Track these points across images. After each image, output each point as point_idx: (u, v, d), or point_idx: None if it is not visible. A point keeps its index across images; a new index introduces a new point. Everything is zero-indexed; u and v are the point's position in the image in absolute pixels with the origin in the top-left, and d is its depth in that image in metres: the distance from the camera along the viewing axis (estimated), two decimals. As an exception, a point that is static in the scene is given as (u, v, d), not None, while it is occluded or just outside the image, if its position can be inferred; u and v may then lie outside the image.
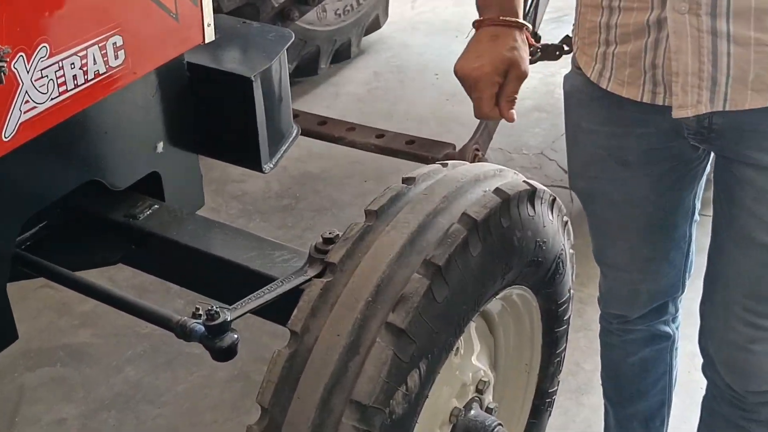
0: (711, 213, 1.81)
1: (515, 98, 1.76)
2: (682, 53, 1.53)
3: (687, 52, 1.52)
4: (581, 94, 1.76)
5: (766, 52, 1.48)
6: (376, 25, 4.85)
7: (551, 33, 3.94)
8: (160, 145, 2.11)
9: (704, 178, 1.84)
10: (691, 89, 1.55)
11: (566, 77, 1.81)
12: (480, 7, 1.76)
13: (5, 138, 1.61)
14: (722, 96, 1.54)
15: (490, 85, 1.72)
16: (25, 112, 1.64)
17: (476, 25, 1.76)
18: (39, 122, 1.68)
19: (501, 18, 1.72)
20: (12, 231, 1.84)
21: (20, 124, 1.63)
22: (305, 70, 4.44)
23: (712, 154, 1.77)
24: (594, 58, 1.68)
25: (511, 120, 1.79)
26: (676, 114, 1.58)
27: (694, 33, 1.50)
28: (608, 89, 1.67)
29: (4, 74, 1.36)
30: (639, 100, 1.62)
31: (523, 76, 1.74)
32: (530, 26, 1.77)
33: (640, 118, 1.63)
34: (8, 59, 1.45)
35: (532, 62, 3.27)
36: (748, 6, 1.45)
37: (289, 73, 2.39)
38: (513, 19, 1.72)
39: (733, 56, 1.50)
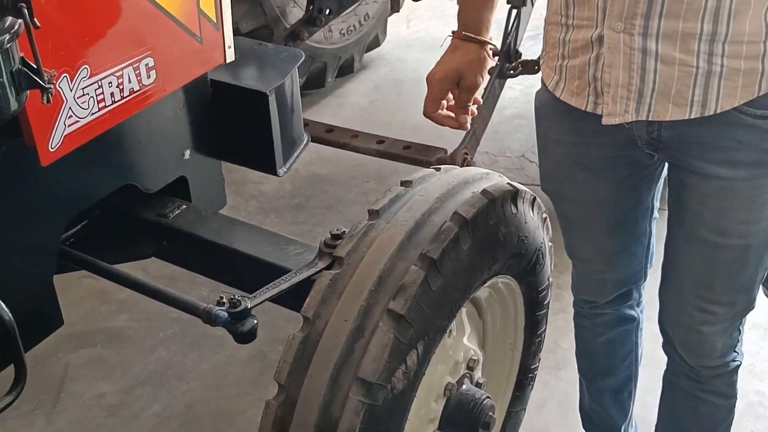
0: (669, 209, 1.81)
1: (468, 106, 1.77)
2: (614, 67, 1.52)
3: (619, 66, 1.52)
4: (548, 108, 1.75)
5: (688, 72, 1.47)
6: (375, 43, 4.85)
7: (530, 49, 3.93)
8: (187, 153, 2.12)
9: (662, 180, 1.84)
10: (620, 100, 1.54)
11: (537, 93, 1.80)
12: (457, 20, 1.77)
13: (52, 149, 1.62)
14: (647, 107, 1.53)
15: (438, 89, 1.74)
16: (68, 126, 1.64)
17: (452, 35, 1.77)
18: (81, 134, 1.69)
19: (463, 33, 1.73)
20: (58, 229, 1.86)
21: (65, 136, 1.64)
22: (314, 84, 4.44)
23: None
24: (554, 70, 1.67)
25: (464, 127, 1.80)
26: (605, 121, 1.58)
27: (626, 50, 1.50)
28: (561, 98, 1.66)
29: (51, 94, 1.36)
30: (584, 109, 1.61)
31: (473, 86, 1.75)
32: (493, 44, 1.76)
33: (600, 130, 1.62)
34: (54, 81, 1.45)
35: (512, 76, 3.32)
36: (675, 30, 1.45)
37: (299, 87, 2.39)
38: (473, 35, 1.72)
39: (659, 73, 1.49)
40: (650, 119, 1.55)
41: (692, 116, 1.51)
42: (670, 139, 1.59)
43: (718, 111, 1.50)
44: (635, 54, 1.49)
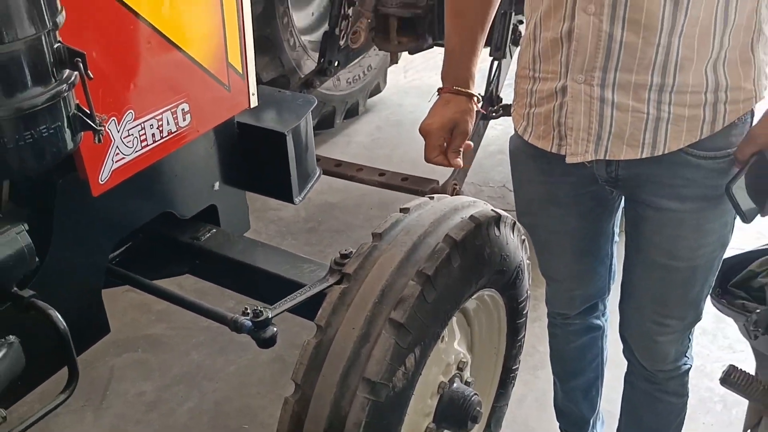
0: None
1: (460, 150, 1.73)
2: (576, 114, 1.51)
3: (580, 113, 1.50)
4: (520, 153, 1.73)
5: (640, 117, 1.46)
6: (377, 89, 4.87)
7: (510, 95, 3.94)
8: (217, 184, 2.12)
9: (620, 209, 1.82)
10: (581, 141, 1.52)
11: (511, 138, 1.77)
12: (442, 78, 1.74)
13: (101, 181, 1.63)
14: (604, 148, 1.51)
15: (436, 138, 1.70)
16: (116, 162, 1.65)
17: (438, 91, 1.75)
18: (127, 169, 1.70)
19: (454, 88, 1.70)
20: (106, 250, 1.86)
21: (113, 170, 1.65)
22: (324, 125, 4.46)
23: None
24: (523, 117, 1.65)
25: (458, 167, 1.76)
26: (569, 160, 1.56)
27: (586, 99, 1.48)
28: (530, 141, 1.63)
29: (102, 135, 1.37)
30: (549, 150, 1.59)
31: (465, 133, 1.72)
32: (479, 96, 1.74)
33: (565, 170, 1.60)
34: (104, 124, 1.46)
35: (495, 118, 3.34)
36: (629, 81, 1.44)
37: (312, 127, 2.40)
38: (463, 89, 1.70)
39: (615, 118, 1.48)
40: (608, 159, 1.53)
41: (644, 156, 1.50)
42: (626, 177, 1.58)
43: (666, 152, 1.49)
44: (594, 102, 1.48)
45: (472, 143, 1.78)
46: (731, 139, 1.49)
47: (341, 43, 3.80)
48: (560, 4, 1.44)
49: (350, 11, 3.77)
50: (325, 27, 3.86)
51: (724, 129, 1.48)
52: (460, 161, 1.75)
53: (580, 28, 1.42)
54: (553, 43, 1.49)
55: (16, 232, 1.47)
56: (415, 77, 5.35)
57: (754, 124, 1.51)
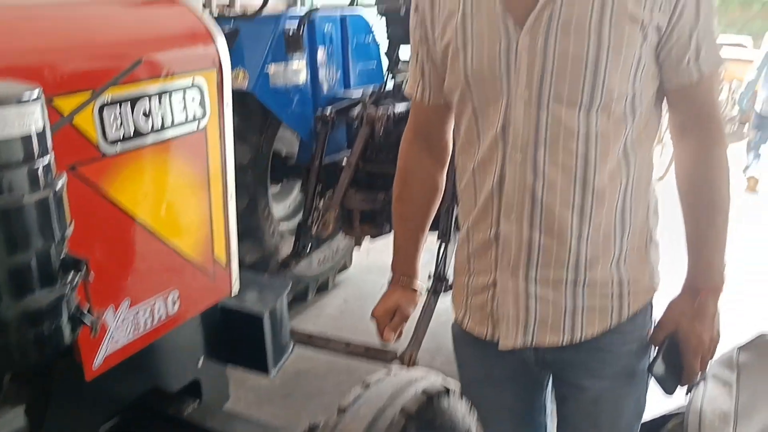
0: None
1: (398, 328, 1.74)
2: (506, 304, 1.50)
3: (509, 303, 1.50)
4: (461, 339, 1.70)
5: (559, 308, 1.47)
6: (344, 267, 4.93)
7: (457, 272, 4.00)
8: (200, 361, 2.08)
9: (550, 385, 1.76)
10: (511, 329, 1.51)
11: (452, 325, 1.73)
12: (391, 269, 1.77)
13: (95, 368, 1.58)
14: (531, 335, 1.50)
15: (382, 321, 1.72)
16: (110, 347, 1.62)
17: (388, 282, 1.77)
18: (120, 354, 1.66)
19: (400, 279, 1.74)
20: (97, 426, 1.78)
21: (106, 356, 1.61)
22: (298, 299, 4.45)
23: None
24: (461, 305, 1.64)
25: (387, 341, 1.75)
26: (501, 346, 1.53)
27: (514, 291, 1.48)
28: (467, 330, 1.61)
29: (98, 329, 1.35)
30: (484, 338, 1.56)
31: (405, 316, 1.74)
32: (419, 287, 1.77)
33: (500, 354, 1.56)
34: (102, 318, 1.45)
35: (444, 292, 3.37)
36: (548, 277, 1.46)
37: (287, 303, 2.38)
38: (407, 282, 1.74)
39: (538, 309, 1.48)
40: (534, 346, 1.53)
41: (565, 343, 1.50)
42: (551, 360, 1.57)
43: (584, 339, 1.50)
44: (520, 294, 1.48)
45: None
46: (636, 325, 1.52)
47: (313, 231, 3.89)
48: (487, 213, 1.49)
49: (321, 204, 3.90)
50: (300, 217, 3.96)
51: (630, 317, 1.50)
52: (391, 337, 1.74)
53: (505, 233, 1.47)
54: (483, 244, 1.52)
55: (14, 414, 1.41)
56: (376, 257, 5.44)
57: (654, 312, 1.55)
